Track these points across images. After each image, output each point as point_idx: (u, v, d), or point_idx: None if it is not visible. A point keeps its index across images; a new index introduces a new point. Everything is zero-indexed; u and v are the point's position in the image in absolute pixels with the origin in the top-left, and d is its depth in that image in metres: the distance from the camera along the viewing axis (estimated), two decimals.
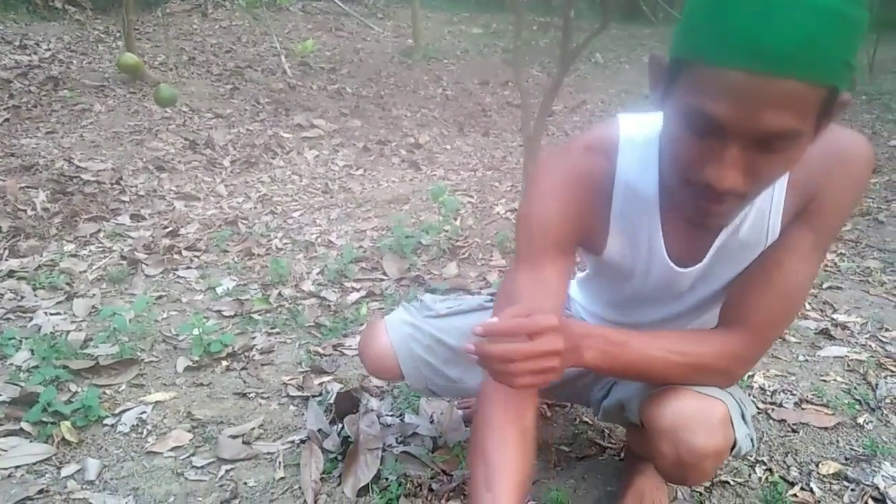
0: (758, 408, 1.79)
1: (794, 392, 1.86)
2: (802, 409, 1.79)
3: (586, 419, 1.76)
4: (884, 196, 3.70)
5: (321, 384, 1.93)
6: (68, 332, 2.18)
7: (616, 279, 1.20)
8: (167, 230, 3.14)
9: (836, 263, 2.77)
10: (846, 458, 1.59)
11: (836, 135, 0.96)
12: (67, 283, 2.57)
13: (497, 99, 6.48)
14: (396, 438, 1.65)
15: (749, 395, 1.84)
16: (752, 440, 1.16)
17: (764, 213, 1.02)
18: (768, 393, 1.86)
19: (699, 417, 1.05)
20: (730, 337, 1.06)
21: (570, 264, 1.11)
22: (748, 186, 0.82)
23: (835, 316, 2.31)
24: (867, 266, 2.73)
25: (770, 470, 1.56)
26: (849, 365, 2.00)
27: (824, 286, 2.55)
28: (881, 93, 7.12)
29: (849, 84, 0.79)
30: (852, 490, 1.49)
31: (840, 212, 1.01)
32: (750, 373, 1.94)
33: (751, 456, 1.44)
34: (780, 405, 1.80)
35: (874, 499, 1.46)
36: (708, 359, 1.05)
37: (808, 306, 2.39)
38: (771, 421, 1.74)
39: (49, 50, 6.10)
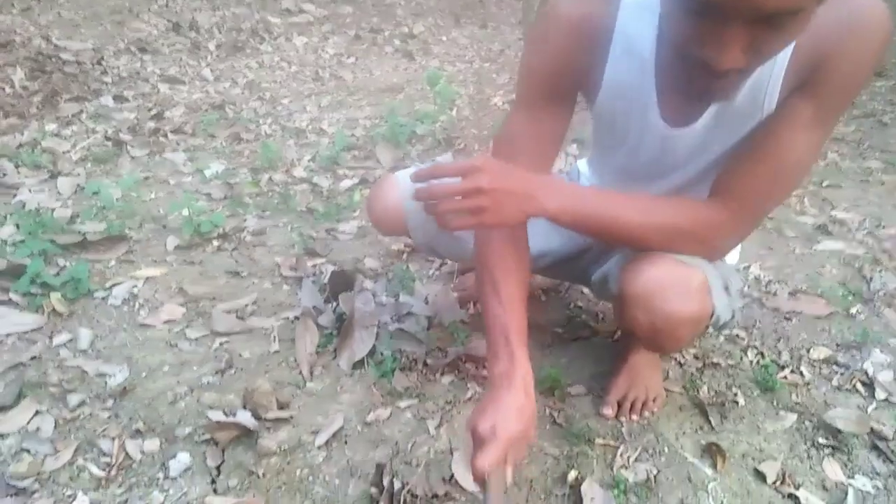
0: (752, 297, 1.80)
1: (789, 283, 1.86)
2: (796, 298, 1.79)
3: (580, 303, 1.76)
4: (889, 99, 3.62)
5: (314, 265, 1.91)
6: (54, 208, 2.13)
7: (612, 143, 1.18)
8: (152, 113, 3.03)
9: (836, 163, 2.74)
10: (837, 345, 1.61)
11: (856, 6, 0.90)
12: (51, 163, 2.49)
13: None
14: (392, 317, 1.64)
15: (744, 285, 1.84)
16: (733, 311, 1.15)
17: (762, 80, 0.96)
18: (763, 283, 1.86)
19: (674, 284, 1.03)
20: (711, 205, 1.03)
21: (566, 111, 1.11)
22: (748, 63, 0.79)
23: (833, 213, 2.29)
24: (868, 166, 2.69)
25: (762, 354, 1.57)
26: (845, 259, 2.00)
27: (824, 184, 2.52)
28: None
29: None
30: (841, 374, 1.51)
31: (848, 83, 0.93)
32: (745, 264, 1.94)
33: (732, 329, 1.38)
34: (775, 294, 1.81)
35: (862, 382, 1.48)
36: (684, 223, 1.03)
37: (807, 202, 2.37)
38: (764, 309, 1.75)
39: None
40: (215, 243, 2.01)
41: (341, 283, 1.70)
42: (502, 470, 0.95)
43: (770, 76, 0.95)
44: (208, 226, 2.03)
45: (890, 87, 3.93)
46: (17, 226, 1.98)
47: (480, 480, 0.92)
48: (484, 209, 0.92)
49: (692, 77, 0.85)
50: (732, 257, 1.34)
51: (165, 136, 2.81)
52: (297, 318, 1.64)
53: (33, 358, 1.47)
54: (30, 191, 2.26)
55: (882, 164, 2.72)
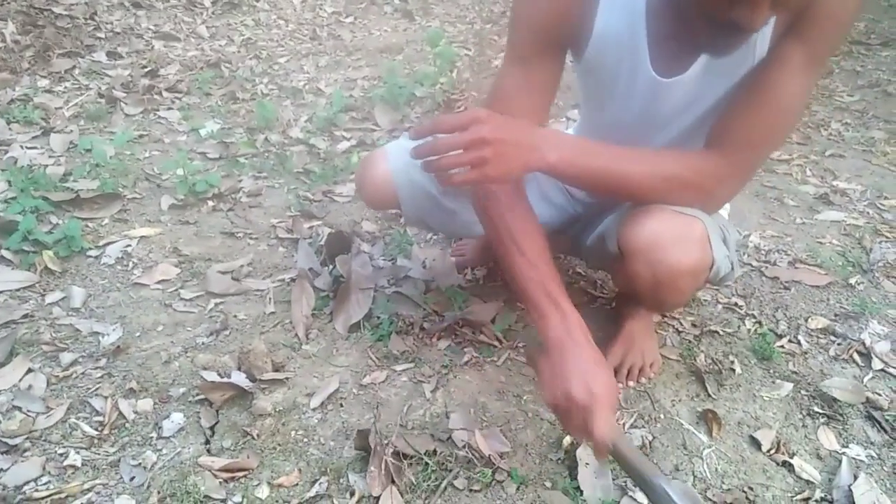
0: (751, 266, 1.79)
1: (789, 252, 1.85)
2: (796, 268, 1.78)
3: (580, 270, 1.74)
4: (894, 69, 3.57)
5: (311, 227, 1.89)
6: (46, 165, 2.09)
7: (602, 98, 1.17)
8: (146, 70, 2.97)
9: (840, 133, 2.70)
10: (835, 315, 1.60)
11: None
12: (43, 119, 2.44)
13: None
14: (388, 280, 1.63)
15: (744, 253, 1.83)
16: (732, 263, 1.15)
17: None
18: (763, 252, 1.85)
19: (674, 234, 1.03)
20: (708, 154, 1.03)
21: (557, 64, 1.10)
22: (774, 16, 0.81)
23: (835, 183, 2.27)
24: (871, 136, 2.66)
25: (759, 322, 1.56)
26: (845, 229, 1.98)
27: (827, 154, 2.49)
28: None
29: None
30: (839, 344, 1.51)
31: (836, 23, 0.93)
32: (746, 232, 1.92)
33: (731, 281, 1.34)
34: (774, 264, 1.79)
35: (859, 353, 1.48)
36: (685, 173, 1.02)
37: (808, 172, 2.35)
38: (763, 278, 1.74)
39: None
40: (210, 203, 1.99)
41: (338, 245, 1.68)
42: (620, 432, 0.93)
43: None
44: (203, 185, 2.00)
45: (895, 56, 3.88)
46: (9, 182, 1.94)
47: (606, 450, 0.91)
48: (486, 160, 0.90)
49: (716, 38, 0.85)
50: (725, 211, 1.33)
51: (160, 93, 2.76)
52: (293, 279, 1.62)
53: (25, 316, 1.46)
54: (21, 147, 2.21)
55: (886, 134, 2.69)
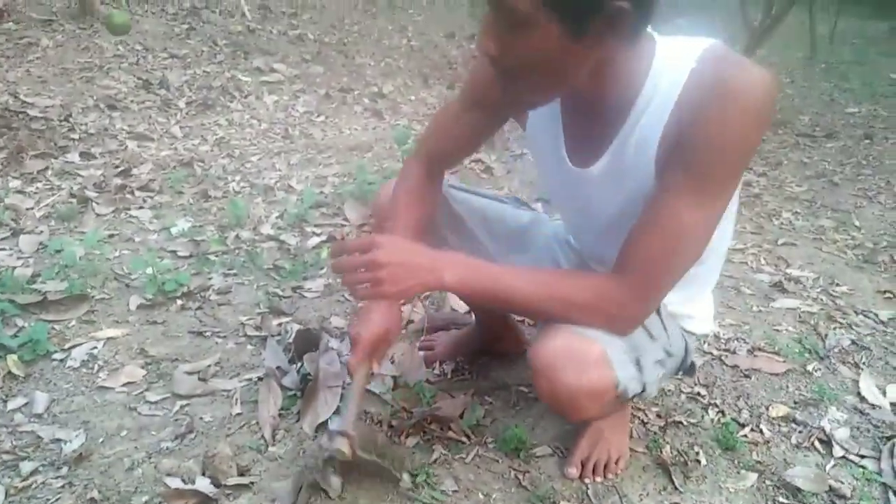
0: (711, 354, 1.83)
1: (748, 340, 1.90)
2: (755, 356, 1.83)
3: None
4: (839, 160, 3.79)
5: (280, 325, 1.90)
6: (14, 267, 2.09)
7: (545, 178, 1.29)
8: (119, 169, 3.02)
9: (791, 221, 2.83)
10: (795, 402, 1.64)
11: (723, 66, 0.94)
12: (13, 220, 2.46)
13: (463, 52, 6.38)
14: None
15: (704, 341, 1.87)
16: (644, 384, 1.16)
17: (647, 137, 1.01)
18: (722, 340, 1.90)
19: (571, 356, 1.06)
20: (610, 277, 1.07)
21: (486, 123, 1.27)
22: (497, 52, 0.95)
23: (788, 270, 2.36)
24: (821, 224, 2.79)
25: (722, 412, 1.59)
26: (800, 316, 2.05)
27: (779, 242, 2.60)
28: (840, 62, 7.23)
29: None
30: (800, 432, 1.54)
31: (718, 150, 0.94)
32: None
33: (649, 398, 1.36)
34: (734, 352, 1.84)
35: (820, 440, 1.51)
36: (580, 295, 1.06)
37: (763, 260, 2.45)
38: (724, 367, 1.78)
39: None
40: (179, 302, 2.00)
41: (306, 342, 1.70)
42: (366, 366, 1.20)
43: (651, 134, 1.00)
44: (173, 284, 2.01)
45: (839, 147, 4.12)
46: None
47: (350, 374, 1.19)
48: (382, 281, 0.99)
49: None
50: (702, 326, 1.33)
51: (132, 192, 2.80)
52: (260, 378, 1.62)
53: None
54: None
55: (834, 223, 2.83)
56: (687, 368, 1.33)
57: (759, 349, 1.86)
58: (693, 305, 1.29)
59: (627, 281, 1.04)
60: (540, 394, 1.13)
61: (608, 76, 0.99)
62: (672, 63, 0.98)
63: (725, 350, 1.85)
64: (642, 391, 1.17)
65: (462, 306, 1.96)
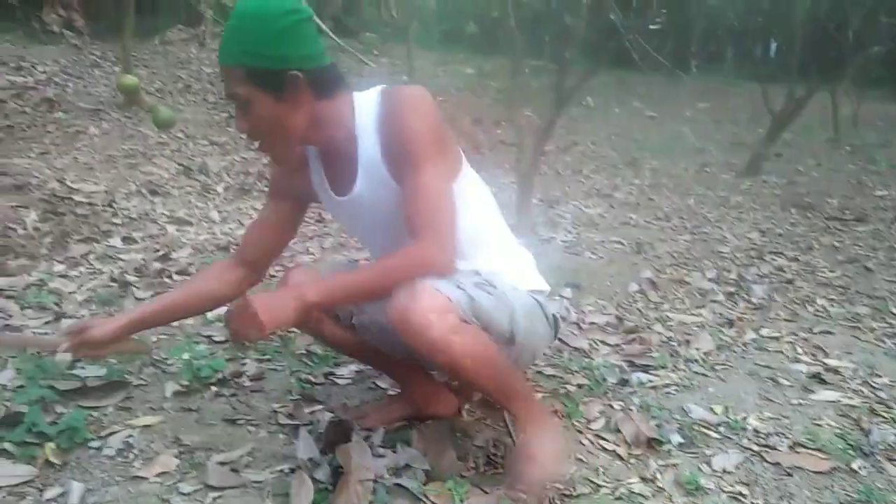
0: (752, 450, 1.79)
1: (788, 435, 1.86)
2: (797, 452, 1.78)
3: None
4: (871, 244, 3.76)
5: (312, 412, 1.90)
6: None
7: (335, 220, 1.82)
8: (159, 254, 3.12)
9: (826, 309, 2.80)
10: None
11: (388, 91, 1.45)
12: (56, 304, 2.53)
13: (490, 137, 6.56)
14: (388, 470, 1.62)
15: (742, 436, 1.83)
16: (472, 297, 1.41)
17: (373, 157, 1.45)
18: (762, 435, 1.85)
19: (408, 294, 1.35)
20: (410, 244, 1.42)
21: (288, 212, 1.68)
22: (250, 130, 1.41)
23: (826, 360, 2.32)
24: (857, 312, 2.75)
25: None
26: (841, 410, 2.00)
27: (815, 330, 2.57)
28: (865, 144, 7.27)
29: (264, 65, 1.33)
30: None
31: (410, 134, 1.38)
32: (743, 415, 1.94)
33: (488, 315, 1.47)
34: (775, 448, 1.80)
35: None
36: (398, 263, 1.41)
37: (799, 349, 2.41)
38: (765, 464, 1.73)
39: (45, 72, 6.12)
40: (214, 388, 2.02)
41: (338, 434, 1.69)
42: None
43: (374, 154, 1.45)
44: (208, 370, 2.04)
45: (871, 231, 4.10)
46: (18, 370, 1.98)
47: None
48: (255, 316, 1.30)
49: None
50: (532, 283, 1.69)
51: (170, 276, 2.88)
52: (292, 470, 1.62)
53: None
54: (33, 333, 2.28)
55: (870, 310, 2.79)
56: (553, 324, 1.67)
57: (801, 445, 1.81)
58: (523, 275, 1.67)
59: (420, 238, 1.40)
60: (403, 337, 1.38)
61: (323, 123, 1.43)
62: (366, 104, 1.45)
63: (766, 446, 1.80)
64: (472, 301, 1.41)
65: None
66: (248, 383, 2.07)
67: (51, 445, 1.63)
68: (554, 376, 2.16)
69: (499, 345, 1.48)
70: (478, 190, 1.65)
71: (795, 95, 5.69)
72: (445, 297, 1.36)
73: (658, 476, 1.66)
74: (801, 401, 2.05)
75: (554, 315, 1.68)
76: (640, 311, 2.76)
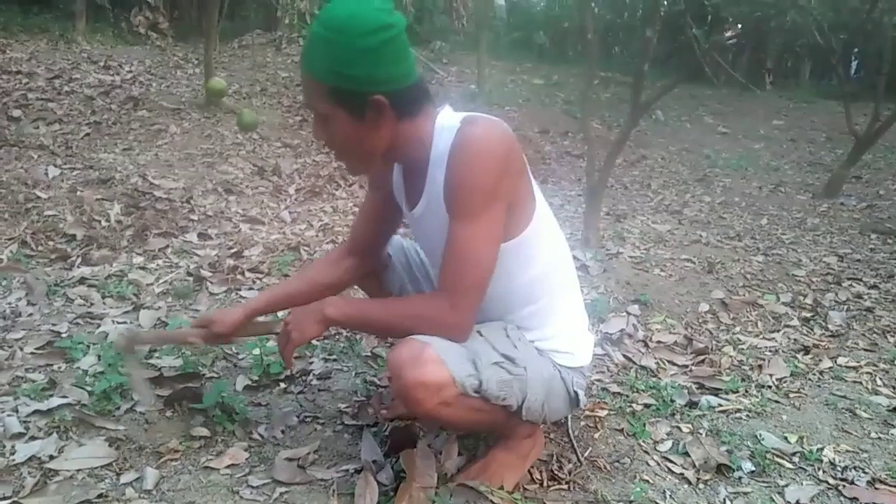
0: (827, 483, 1.71)
1: (867, 470, 1.77)
2: (876, 488, 1.70)
3: None
4: None
5: (376, 415, 1.92)
6: None
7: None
8: (232, 251, 3.22)
9: None
10: None
11: (468, 126, 1.36)
12: (135, 294, 2.64)
13: (556, 148, 6.52)
14: (450, 475, 1.62)
15: (818, 468, 1.76)
16: (481, 381, 1.38)
17: (438, 183, 1.40)
18: (839, 468, 1.78)
19: (411, 356, 1.33)
20: (434, 294, 1.47)
21: (382, 199, 1.66)
22: (326, 141, 1.40)
23: None
24: None
25: None
26: None
27: None
28: None
29: (348, 86, 1.29)
30: None
31: (464, 184, 1.33)
32: (819, 446, 1.86)
33: (496, 397, 1.42)
34: (852, 482, 1.72)
35: None
36: (415, 311, 1.43)
37: (879, 381, 2.30)
38: (842, 498, 1.66)
39: (131, 72, 6.41)
40: (282, 385, 2.06)
41: (403, 438, 1.71)
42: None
43: (440, 180, 1.39)
44: (277, 367, 2.09)
45: None
46: (99, 357, 2.08)
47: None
48: (289, 332, 1.46)
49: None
50: (574, 360, 1.59)
51: (243, 273, 2.96)
52: (357, 471, 1.64)
53: (100, 496, 1.50)
54: (113, 322, 2.38)
55: None
56: (573, 400, 1.59)
57: (881, 481, 1.73)
58: (561, 341, 1.57)
59: (443, 295, 1.40)
60: (394, 392, 1.46)
61: (401, 143, 1.40)
62: (447, 131, 1.39)
63: (843, 479, 1.73)
64: (480, 385, 1.38)
65: None
66: (315, 381, 2.11)
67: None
68: (620, 394, 2.12)
69: (503, 411, 1.48)
70: (550, 240, 1.56)
71: (880, 116, 5.46)
72: (448, 376, 1.33)
73: None
74: (880, 435, 1.96)
75: (576, 392, 1.58)
76: (710, 332, 2.69)
